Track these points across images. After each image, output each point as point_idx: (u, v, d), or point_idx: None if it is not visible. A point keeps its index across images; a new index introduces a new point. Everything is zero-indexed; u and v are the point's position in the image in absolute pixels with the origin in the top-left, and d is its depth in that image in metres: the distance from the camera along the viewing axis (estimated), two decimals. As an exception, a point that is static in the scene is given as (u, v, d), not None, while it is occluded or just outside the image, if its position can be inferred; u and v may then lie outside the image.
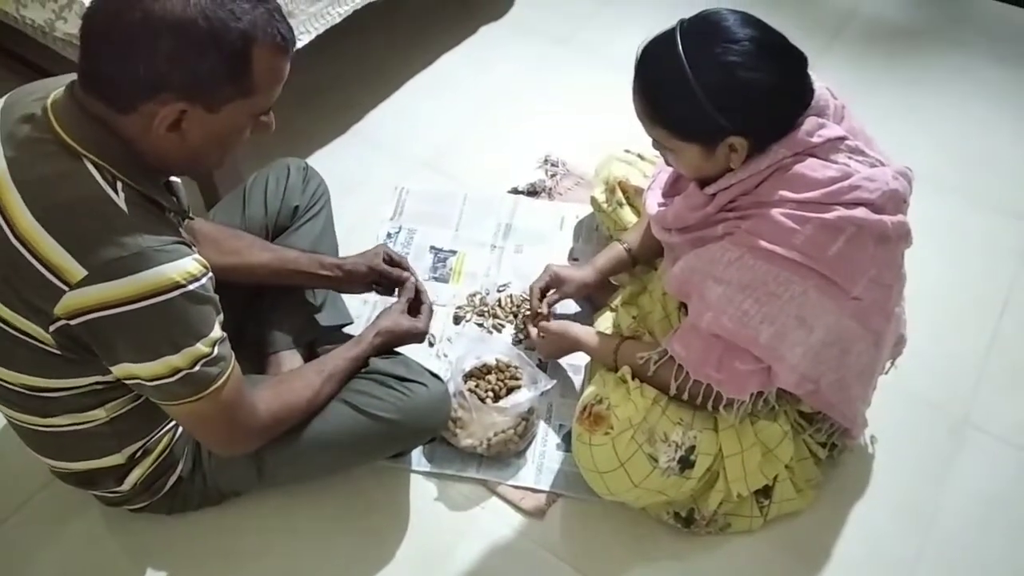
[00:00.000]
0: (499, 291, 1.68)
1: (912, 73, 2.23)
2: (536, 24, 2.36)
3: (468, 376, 1.44)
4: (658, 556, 1.33)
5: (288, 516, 1.35)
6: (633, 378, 1.27)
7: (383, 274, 1.40)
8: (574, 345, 1.43)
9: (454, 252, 1.76)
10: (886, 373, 1.39)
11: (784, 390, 1.23)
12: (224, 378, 1.01)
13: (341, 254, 1.57)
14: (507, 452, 1.41)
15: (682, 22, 1.09)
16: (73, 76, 0.97)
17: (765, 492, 1.33)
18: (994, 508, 1.39)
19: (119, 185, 0.94)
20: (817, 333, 1.14)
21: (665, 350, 1.23)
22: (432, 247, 1.77)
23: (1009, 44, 2.31)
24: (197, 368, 0.98)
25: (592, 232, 1.77)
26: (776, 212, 1.09)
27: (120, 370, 0.98)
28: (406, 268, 1.43)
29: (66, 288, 0.91)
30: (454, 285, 1.70)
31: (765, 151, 1.10)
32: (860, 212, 1.09)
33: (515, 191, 1.89)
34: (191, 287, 0.94)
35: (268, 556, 1.32)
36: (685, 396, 1.23)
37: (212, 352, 0.98)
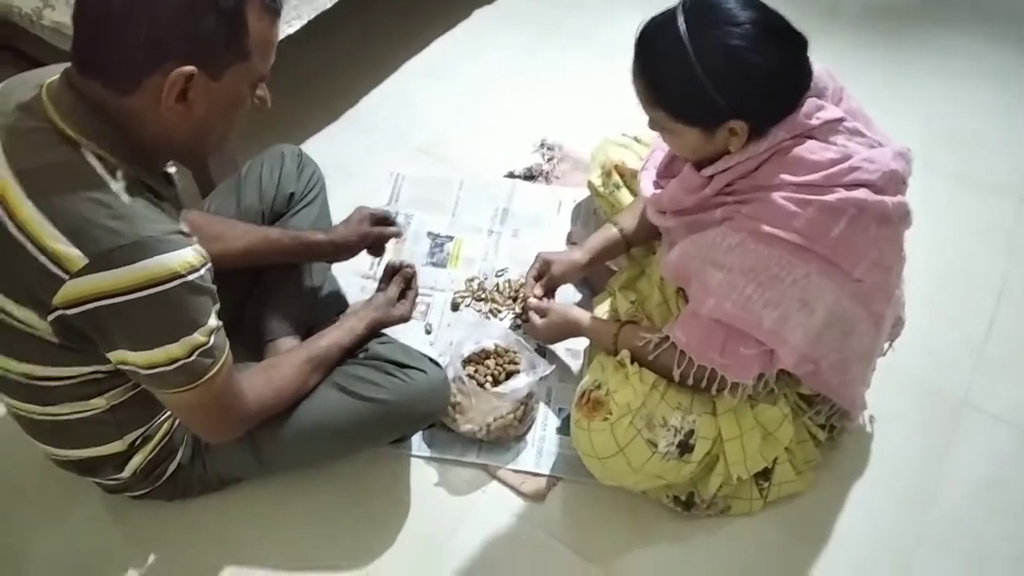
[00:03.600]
0: (497, 276, 1.68)
1: (905, 53, 2.22)
2: (530, 8, 2.34)
3: (467, 361, 1.44)
4: (658, 539, 1.33)
5: (289, 502, 1.36)
6: (632, 362, 1.26)
7: (374, 237, 1.45)
8: (573, 329, 1.43)
9: (451, 238, 1.75)
10: (884, 355, 1.39)
11: (784, 372, 1.23)
12: (218, 367, 1.01)
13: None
14: (507, 437, 1.41)
15: (683, 2, 1.08)
16: (66, 64, 0.96)
17: (765, 474, 1.33)
18: (992, 487, 1.40)
19: (119, 173, 0.93)
20: (818, 315, 1.14)
21: (666, 336, 1.23)
22: (429, 232, 1.76)
23: (1002, 23, 2.30)
24: (193, 357, 0.98)
25: (590, 215, 1.77)
26: (777, 195, 1.09)
27: (116, 356, 0.98)
28: (392, 222, 1.47)
29: (66, 277, 0.90)
30: (452, 270, 1.70)
31: (764, 134, 1.09)
32: (861, 193, 1.09)
33: (512, 175, 1.88)
34: (191, 277, 0.94)
35: (269, 542, 1.32)
36: (690, 381, 1.23)
37: (208, 342, 0.99)
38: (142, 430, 1.16)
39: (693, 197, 1.17)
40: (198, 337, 0.97)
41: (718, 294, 1.14)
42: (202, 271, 0.96)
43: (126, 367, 0.99)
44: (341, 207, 1.61)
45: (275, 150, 1.52)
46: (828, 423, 1.36)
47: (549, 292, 1.51)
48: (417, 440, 1.42)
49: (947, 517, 1.36)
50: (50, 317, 0.94)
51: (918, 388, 1.52)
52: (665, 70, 1.08)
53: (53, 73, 0.97)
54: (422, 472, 1.40)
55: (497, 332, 1.48)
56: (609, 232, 1.46)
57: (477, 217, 1.79)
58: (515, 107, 2.06)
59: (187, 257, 0.94)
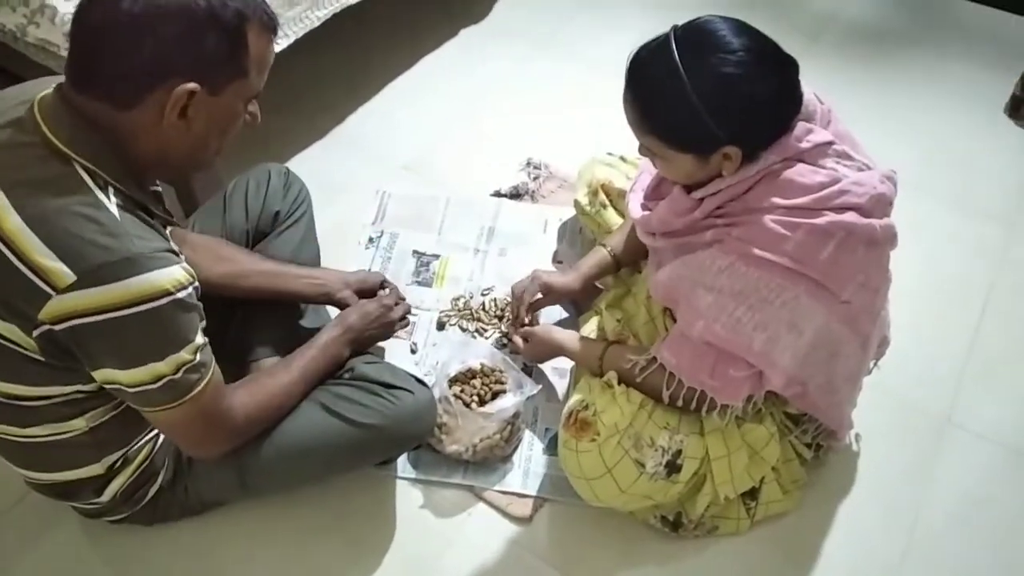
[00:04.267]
0: (483, 295, 1.67)
1: (890, 75, 2.26)
2: (517, 27, 2.36)
3: (453, 381, 1.43)
4: (645, 561, 1.32)
5: (272, 526, 1.34)
6: (619, 383, 1.26)
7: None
8: (558, 350, 1.42)
9: (437, 256, 1.75)
10: (869, 373, 1.39)
11: (772, 392, 1.23)
12: (204, 383, 1.01)
13: (323, 258, 1.56)
14: (493, 457, 1.40)
15: (675, 29, 1.08)
16: (54, 79, 0.96)
17: (752, 494, 1.33)
18: (977, 505, 1.41)
19: (110, 190, 0.93)
20: (806, 336, 1.15)
21: (653, 357, 1.23)
22: (415, 251, 1.76)
23: (985, 46, 2.34)
24: (180, 375, 0.97)
25: (576, 234, 1.77)
26: (767, 218, 1.09)
27: (101, 375, 0.97)
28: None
29: (52, 293, 0.90)
30: (437, 289, 1.69)
31: (756, 158, 1.10)
32: (849, 217, 1.09)
33: (498, 194, 1.89)
34: (180, 295, 0.94)
35: (252, 567, 1.30)
36: (679, 403, 1.23)
37: (194, 359, 0.98)
38: (122, 452, 1.15)
39: (683, 219, 1.17)
40: (184, 355, 0.97)
41: (708, 316, 1.14)
42: (190, 289, 0.96)
43: (111, 386, 0.98)
44: (327, 225, 1.61)
45: (261, 168, 1.52)
46: (814, 442, 1.36)
47: (534, 312, 1.51)
48: (402, 461, 1.41)
49: (932, 535, 1.37)
50: (35, 332, 0.93)
51: (903, 406, 1.53)
52: (659, 98, 1.08)
53: (41, 87, 0.97)
54: (407, 494, 1.38)
55: (484, 351, 1.48)
56: (600, 255, 1.47)
57: (463, 236, 1.79)
58: (501, 126, 2.06)
59: (176, 275, 0.94)
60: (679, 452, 1.23)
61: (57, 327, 0.91)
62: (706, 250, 1.13)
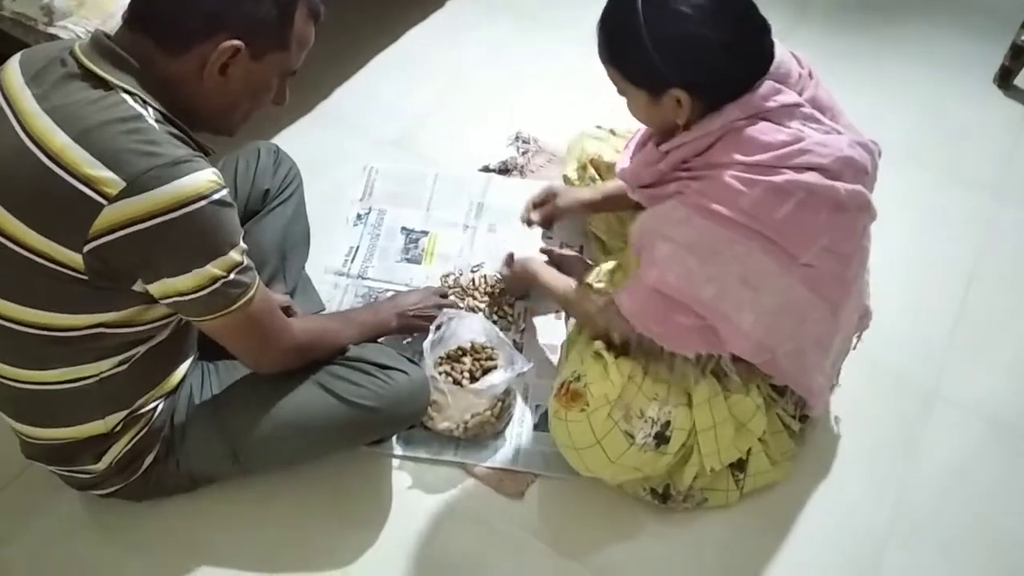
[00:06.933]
0: (472, 271, 1.67)
1: (879, 46, 2.24)
2: (504, -1, 2.32)
3: (444, 359, 1.43)
4: (636, 534, 1.34)
5: (265, 504, 1.34)
6: (609, 350, 1.27)
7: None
8: (532, 278, 1.46)
9: (426, 233, 1.74)
10: (854, 348, 1.41)
11: (749, 364, 1.24)
12: (256, 287, 1.06)
13: (312, 237, 1.55)
14: (484, 434, 1.40)
15: None
16: (67, 43, 1.03)
17: (740, 466, 1.34)
18: (962, 477, 1.42)
19: (149, 109, 0.99)
20: (767, 298, 1.15)
21: (612, 299, 1.24)
22: (403, 228, 1.75)
23: (973, 16, 2.33)
24: (232, 276, 1.02)
25: (565, 210, 1.76)
26: (726, 174, 1.10)
27: (160, 288, 1.00)
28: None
29: (104, 202, 0.93)
30: (427, 266, 1.68)
31: (719, 111, 1.11)
32: (810, 176, 1.10)
33: (487, 169, 1.87)
34: (220, 194, 0.98)
35: (246, 545, 1.30)
36: (634, 346, 1.25)
37: (243, 261, 1.03)
38: (126, 412, 1.16)
39: (650, 170, 1.19)
40: (234, 256, 1.02)
41: (662, 265, 1.16)
42: (225, 189, 1.00)
43: (168, 299, 1.01)
44: (315, 202, 1.60)
45: (251, 146, 1.50)
46: (800, 413, 1.37)
47: (547, 222, 1.54)
48: (394, 439, 1.41)
49: (918, 508, 1.38)
50: (87, 247, 0.95)
51: (890, 381, 1.54)
52: (617, 29, 1.11)
53: (67, 44, 1.03)
54: (399, 472, 1.39)
55: (476, 326, 1.47)
56: (617, 182, 1.45)
57: (452, 212, 1.78)
58: (489, 100, 2.04)
59: (211, 176, 0.98)
60: (667, 424, 1.24)
61: (109, 238, 0.95)
62: (668, 201, 1.15)
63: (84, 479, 1.22)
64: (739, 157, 1.10)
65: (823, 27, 2.28)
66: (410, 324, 1.41)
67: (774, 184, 1.08)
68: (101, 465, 1.19)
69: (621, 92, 1.17)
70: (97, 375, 1.10)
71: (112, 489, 1.24)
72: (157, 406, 1.19)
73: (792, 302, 1.17)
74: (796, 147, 1.10)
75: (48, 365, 1.08)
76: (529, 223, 1.55)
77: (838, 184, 1.11)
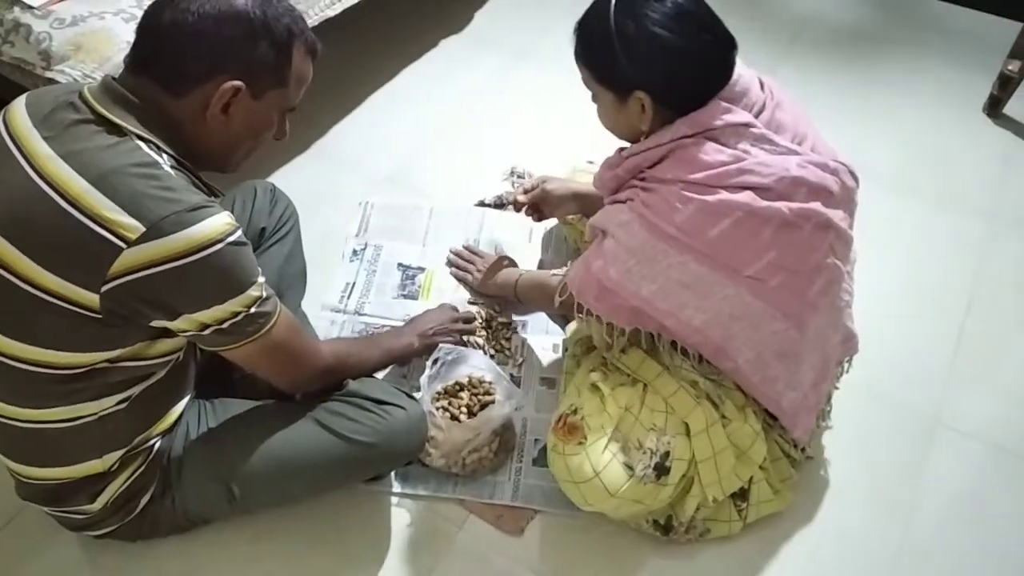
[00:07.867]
0: (469, 304, 1.66)
1: (869, 75, 2.27)
2: (496, 36, 2.36)
3: (441, 393, 1.42)
4: (638, 570, 1.32)
5: (260, 543, 1.32)
6: (605, 380, 1.26)
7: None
8: (493, 269, 1.60)
9: (422, 269, 1.74)
10: (846, 373, 1.40)
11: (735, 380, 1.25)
12: (278, 312, 1.09)
13: (309, 273, 1.56)
14: (482, 470, 1.39)
15: None
16: (74, 87, 1.05)
17: (742, 495, 1.33)
18: (967, 503, 1.41)
19: (164, 156, 1.02)
20: (714, 301, 1.18)
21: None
22: (400, 264, 1.75)
23: (962, 45, 2.36)
24: (254, 308, 1.05)
25: (561, 243, 1.77)
26: (666, 189, 1.15)
27: (183, 322, 1.02)
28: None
29: (124, 246, 0.95)
30: (423, 302, 1.68)
31: (671, 125, 1.15)
32: (744, 196, 1.12)
33: (482, 204, 1.88)
34: (236, 235, 1.01)
35: (242, 587, 1.29)
36: (574, 312, 1.30)
37: (263, 295, 1.06)
38: (123, 451, 1.15)
39: (610, 174, 1.25)
40: (253, 293, 1.04)
41: (606, 259, 1.21)
42: (239, 230, 1.03)
43: (189, 333, 1.04)
44: (311, 238, 1.60)
45: (247, 185, 1.52)
46: (793, 439, 1.36)
47: (536, 209, 1.57)
48: (392, 476, 1.40)
49: (924, 534, 1.37)
50: (104, 288, 0.96)
51: (891, 407, 1.53)
52: (590, 27, 1.17)
53: (73, 87, 1.05)
54: (398, 509, 1.37)
55: (474, 361, 1.47)
56: None
57: (448, 247, 1.78)
58: (484, 135, 2.06)
59: (227, 220, 1.01)
60: (667, 454, 1.23)
61: (131, 278, 0.96)
62: (619, 204, 1.21)
63: (79, 520, 1.21)
64: (680, 175, 1.15)
65: (813, 58, 2.30)
66: (432, 343, 1.44)
67: (707, 204, 1.12)
68: (96, 505, 1.17)
69: (593, 97, 1.22)
70: (96, 413, 1.10)
71: (108, 530, 1.22)
72: (154, 444, 1.19)
73: (742, 310, 1.19)
74: (734, 167, 1.13)
75: (48, 403, 1.08)
76: (516, 206, 1.58)
77: (779, 204, 1.13)
